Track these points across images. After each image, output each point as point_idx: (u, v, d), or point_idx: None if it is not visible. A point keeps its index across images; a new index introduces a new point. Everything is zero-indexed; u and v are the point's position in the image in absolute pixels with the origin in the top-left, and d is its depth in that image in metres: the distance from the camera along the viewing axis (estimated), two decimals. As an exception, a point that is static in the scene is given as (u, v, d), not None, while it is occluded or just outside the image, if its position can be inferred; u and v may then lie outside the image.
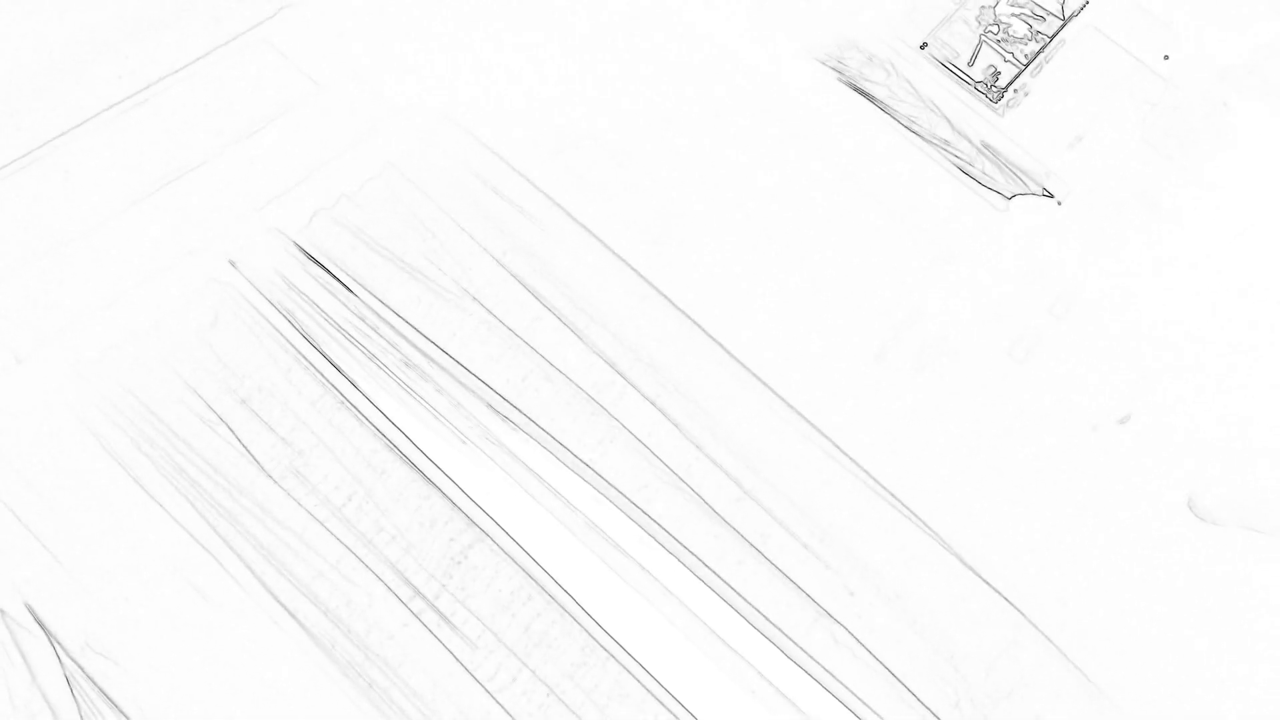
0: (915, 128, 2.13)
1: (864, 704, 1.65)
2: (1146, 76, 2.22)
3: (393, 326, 1.84)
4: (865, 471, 1.81)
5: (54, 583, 1.59)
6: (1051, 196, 2.10)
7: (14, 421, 1.69)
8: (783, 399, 1.85)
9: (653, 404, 1.82)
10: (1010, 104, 2.18)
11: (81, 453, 1.67)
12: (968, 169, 2.10)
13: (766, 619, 1.69)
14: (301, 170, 1.94)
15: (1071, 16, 2.26)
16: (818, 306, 1.94)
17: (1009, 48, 2.22)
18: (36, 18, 2.00)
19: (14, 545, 1.60)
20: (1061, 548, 1.79)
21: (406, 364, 1.81)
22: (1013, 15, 2.25)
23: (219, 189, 1.91)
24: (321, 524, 1.67)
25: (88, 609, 1.57)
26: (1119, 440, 1.88)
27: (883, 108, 2.14)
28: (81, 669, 1.54)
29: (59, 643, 1.55)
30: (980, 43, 2.22)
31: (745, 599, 1.70)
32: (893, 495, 1.80)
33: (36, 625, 1.56)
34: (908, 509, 1.79)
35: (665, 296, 1.92)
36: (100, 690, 1.53)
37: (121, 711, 1.52)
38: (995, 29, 2.23)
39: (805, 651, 1.67)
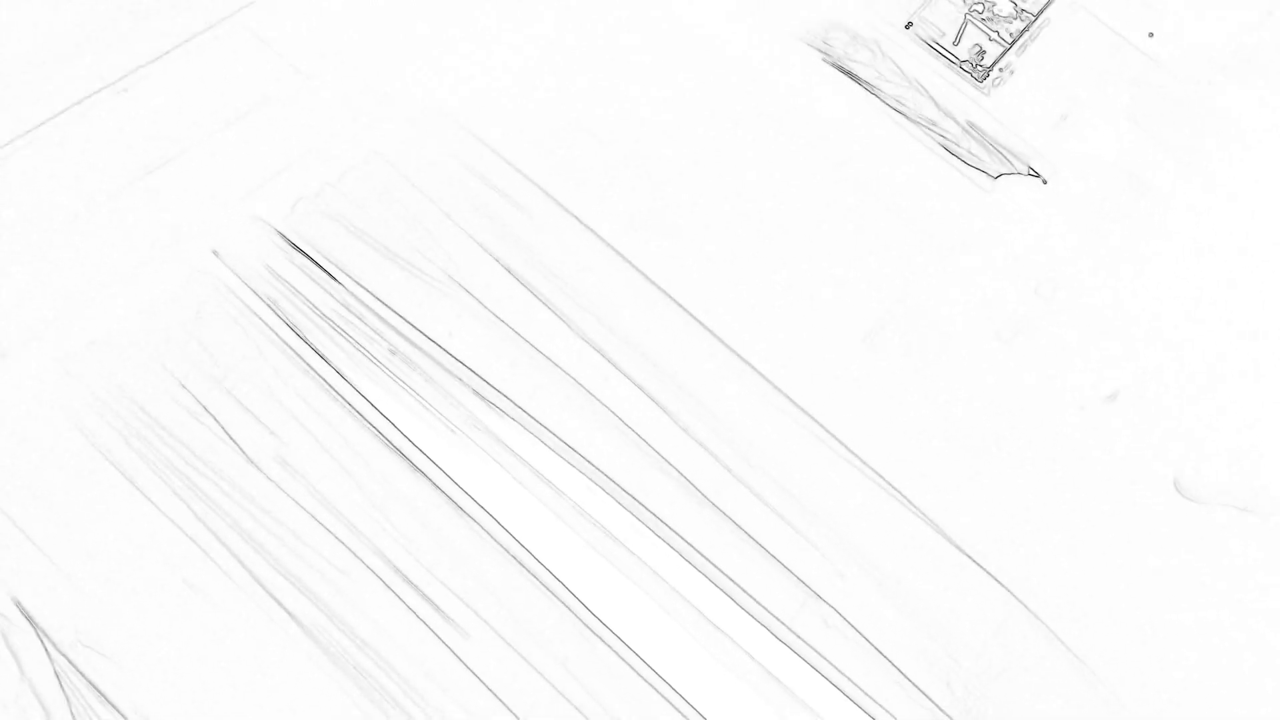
0: (901, 108, 2.12)
1: (855, 685, 1.65)
2: (1132, 55, 2.21)
3: (378, 315, 1.83)
4: (854, 454, 1.81)
5: (42, 577, 1.58)
6: (1038, 176, 2.09)
7: (-1, 415, 1.68)
8: (772, 383, 1.85)
9: (642, 390, 1.82)
10: (996, 83, 2.17)
11: (67, 446, 1.66)
12: (954, 149, 2.10)
13: (757, 602, 1.69)
14: (284, 159, 1.93)
15: (1056, -6, 2.25)
16: (805, 290, 1.94)
17: (994, 26, 2.21)
18: (9, 8, 1.98)
19: (0, 540, 1.60)
20: (1050, 527, 1.79)
21: (393, 352, 1.80)
22: (997, -6, 2.24)
23: (201, 179, 1.90)
24: (310, 514, 1.66)
25: (76, 603, 1.57)
26: (1106, 421, 1.89)
27: (868, 88, 2.14)
28: (71, 663, 1.53)
29: (48, 637, 1.55)
30: (965, 21, 2.21)
31: (735, 582, 1.70)
32: (881, 477, 1.80)
33: (25, 620, 1.55)
34: (896, 491, 1.79)
35: (653, 283, 1.91)
36: (90, 684, 1.53)
37: (112, 705, 1.52)
38: (980, 8, 2.23)
39: (796, 634, 1.68)
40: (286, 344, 1.79)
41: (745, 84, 2.11)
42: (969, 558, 1.76)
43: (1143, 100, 2.18)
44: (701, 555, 1.71)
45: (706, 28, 2.15)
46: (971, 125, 2.13)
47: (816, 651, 1.67)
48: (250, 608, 1.59)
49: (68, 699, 1.52)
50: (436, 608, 1.63)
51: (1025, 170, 2.10)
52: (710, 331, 1.88)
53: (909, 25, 2.20)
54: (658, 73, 2.09)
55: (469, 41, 2.08)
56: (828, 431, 1.82)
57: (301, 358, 1.78)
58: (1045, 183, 2.09)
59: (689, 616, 1.67)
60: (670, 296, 1.90)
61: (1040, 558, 1.76)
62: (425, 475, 1.71)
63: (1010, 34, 2.21)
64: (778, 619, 1.68)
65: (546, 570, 1.67)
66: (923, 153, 2.09)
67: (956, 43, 2.20)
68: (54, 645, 1.54)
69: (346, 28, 2.06)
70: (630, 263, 1.92)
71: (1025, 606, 1.73)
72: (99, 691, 1.53)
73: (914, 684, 1.66)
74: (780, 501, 1.76)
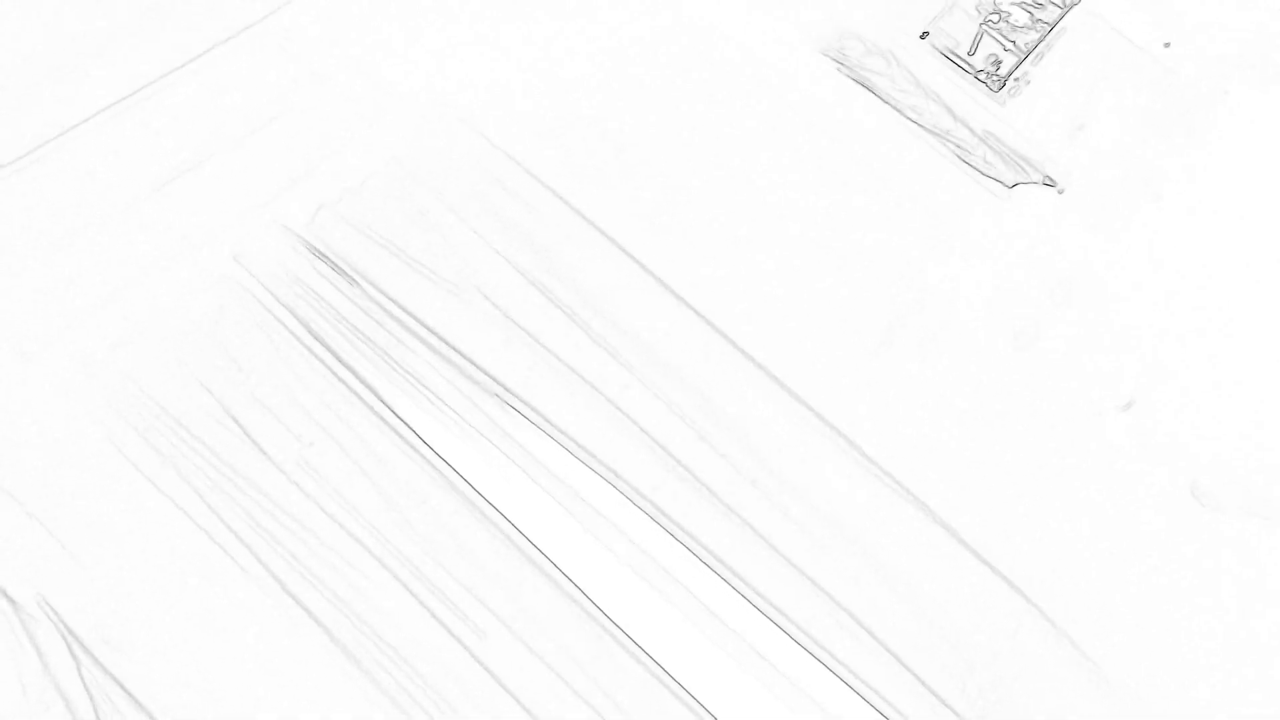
0: (917, 117, 2.14)
1: (871, 688, 1.66)
2: (1148, 64, 2.22)
3: (398, 320, 1.85)
4: (869, 459, 1.82)
5: (66, 576, 1.60)
6: (1053, 185, 2.10)
7: (23, 417, 1.70)
8: (787, 388, 1.86)
9: (657, 395, 1.83)
10: (1012, 93, 2.18)
11: (91, 448, 1.68)
12: (969, 158, 2.11)
13: (773, 605, 1.70)
14: (305, 165, 1.95)
15: (1073, 4, 2.26)
16: (820, 296, 1.95)
17: (1010, 36, 2.22)
18: (35, 14, 2.01)
19: (26, 539, 1.62)
20: (1066, 534, 1.79)
21: (412, 357, 1.82)
22: (1013, 4, 2.25)
23: (223, 185, 1.92)
24: (330, 516, 1.68)
25: (100, 601, 1.59)
26: (1122, 427, 1.89)
27: (884, 98, 2.15)
28: (95, 660, 1.55)
29: (72, 634, 1.56)
30: (981, 31, 2.22)
31: (751, 586, 1.71)
32: (897, 483, 1.80)
33: (49, 618, 1.57)
34: (912, 496, 1.80)
35: (668, 287, 1.92)
36: (115, 681, 1.54)
37: (136, 701, 1.54)
38: (996, 17, 2.24)
39: (811, 638, 1.68)
40: (308, 349, 1.80)
41: (762, 92, 2.12)
42: (984, 562, 1.76)
43: (1159, 109, 2.18)
44: (717, 559, 1.72)
45: (723, 36, 2.16)
46: (987, 134, 2.14)
47: (832, 655, 1.67)
48: (272, 608, 1.60)
49: (91, 696, 1.53)
50: (455, 608, 1.64)
51: (1041, 179, 2.11)
52: (725, 337, 1.90)
53: (925, 35, 2.22)
54: (675, 80, 2.11)
55: (490, 49, 2.10)
56: (843, 436, 1.83)
57: (323, 362, 1.79)
58: (1061, 192, 2.09)
59: (705, 620, 1.68)
60: (686, 303, 1.91)
61: (1056, 564, 1.77)
62: (445, 479, 1.72)
63: (1026, 44, 2.22)
64: (794, 623, 1.69)
65: (563, 574, 1.68)
66: (938, 161, 2.10)
67: (972, 52, 2.21)
68: (78, 642, 1.56)
69: (368, 36, 2.08)
70: (648, 270, 1.93)
71: (1041, 612, 1.73)
72: (123, 688, 1.54)
73: (929, 689, 1.66)
74: (795, 506, 1.77)
